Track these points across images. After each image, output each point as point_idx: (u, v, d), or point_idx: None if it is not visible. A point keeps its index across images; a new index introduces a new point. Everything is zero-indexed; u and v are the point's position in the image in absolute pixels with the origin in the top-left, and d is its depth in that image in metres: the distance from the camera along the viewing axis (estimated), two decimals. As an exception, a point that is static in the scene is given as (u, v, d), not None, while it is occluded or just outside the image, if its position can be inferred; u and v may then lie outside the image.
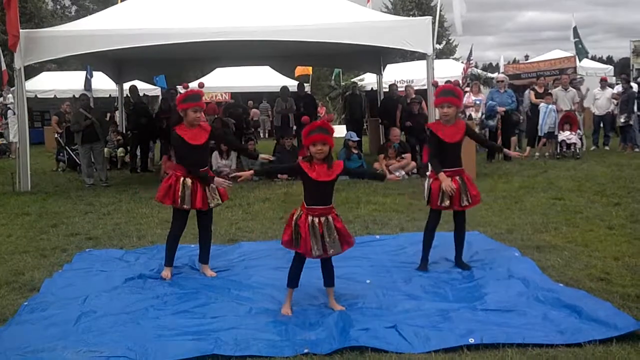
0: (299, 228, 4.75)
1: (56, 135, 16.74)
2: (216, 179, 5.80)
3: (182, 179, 5.75)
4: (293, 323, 4.60)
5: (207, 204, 5.82)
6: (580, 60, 22.84)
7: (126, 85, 17.32)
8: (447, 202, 5.75)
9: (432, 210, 5.96)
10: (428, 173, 6.12)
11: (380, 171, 5.62)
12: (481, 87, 18.02)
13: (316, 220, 4.74)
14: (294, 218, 4.82)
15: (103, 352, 4.08)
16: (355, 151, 13.21)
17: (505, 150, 6.96)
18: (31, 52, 11.30)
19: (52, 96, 25.08)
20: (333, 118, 18.18)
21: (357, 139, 14.11)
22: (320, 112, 22.74)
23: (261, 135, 27.87)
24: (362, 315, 4.69)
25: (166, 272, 5.88)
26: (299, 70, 26.54)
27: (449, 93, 5.82)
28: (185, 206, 5.76)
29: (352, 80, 27.56)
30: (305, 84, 19.40)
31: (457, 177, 5.79)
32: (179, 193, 5.72)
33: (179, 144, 5.78)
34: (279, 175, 12.47)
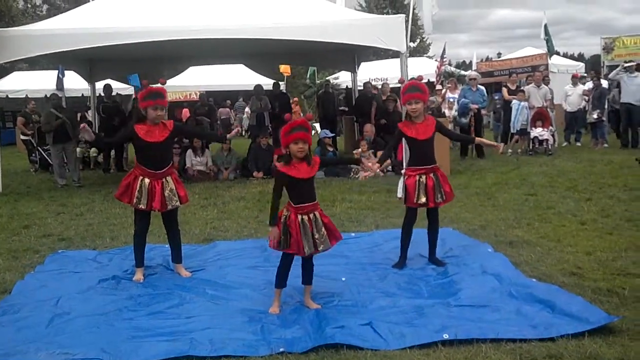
0: (290, 228, 4.71)
1: (23, 137, 16.49)
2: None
3: (140, 178, 5.68)
4: (269, 322, 4.59)
5: (165, 205, 5.73)
6: (550, 57, 23.11)
7: (99, 85, 17.14)
8: (423, 199, 5.78)
9: (408, 208, 5.99)
10: (403, 171, 6.15)
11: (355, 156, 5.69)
12: (457, 84, 18.12)
13: (305, 218, 4.74)
14: (282, 219, 4.76)
15: (76, 354, 4.04)
16: (331, 148, 13.24)
17: (479, 139, 6.88)
18: (1, 52, 11.11)
19: (24, 96, 24.72)
20: (312, 117, 18.15)
21: (332, 134, 14.17)
22: (294, 109, 22.67)
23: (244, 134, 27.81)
24: (337, 313, 4.69)
25: (138, 275, 5.81)
26: (284, 69, 26.24)
27: (415, 89, 5.85)
28: (140, 206, 5.69)
29: (326, 78, 27.55)
30: (280, 83, 19.37)
31: (432, 174, 5.84)
32: (136, 192, 5.66)
33: (134, 140, 5.68)
34: (254, 174, 12.47)
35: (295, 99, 26.43)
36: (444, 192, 5.87)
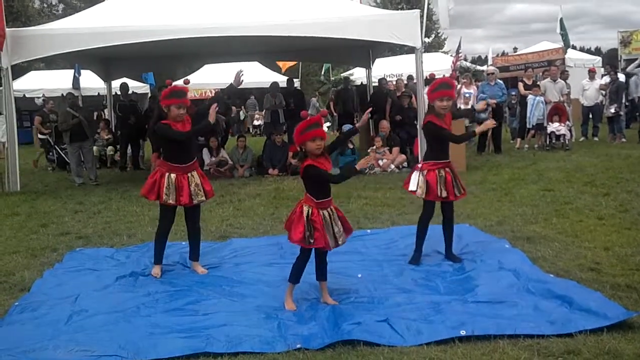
0: (314, 224, 4.71)
1: (40, 136, 16.62)
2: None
3: (167, 174, 5.72)
4: (285, 318, 4.60)
5: (192, 200, 5.78)
6: (565, 51, 22.94)
7: (115, 83, 17.24)
8: (445, 193, 5.77)
9: (428, 203, 5.93)
10: (419, 165, 6.05)
11: (352, 128, 5.72)
12: (472, 79, 18.02)
13: (326, 213, 4.78)
14: (305, 215, 4.74)
15: (95, 351, 4.07)
16: (351, 145, 13.20)
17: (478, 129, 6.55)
18: (18, 51, 11.22)
19: (41, 95, 24.88)
20: (326, 113, 18.19)
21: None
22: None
23: (251, 130, 27.90)
24: (354, 309, 4.69)
25: (156, 270, 5.86)
26: (284, 65, 26.38)
27: (448, 86, 5.83)
28: (170, 202, 5.73)
29: (343, 75, 27.50)
30: (294, 80, 19.37)
31: (448, 169, 5.83)
32: (164, 189, 5.70)
33: (167, 132, 5.67)
34: (269, 171, 12.49)
35: (331, 97, 26.43)
36: (461, 186, 5.89)
